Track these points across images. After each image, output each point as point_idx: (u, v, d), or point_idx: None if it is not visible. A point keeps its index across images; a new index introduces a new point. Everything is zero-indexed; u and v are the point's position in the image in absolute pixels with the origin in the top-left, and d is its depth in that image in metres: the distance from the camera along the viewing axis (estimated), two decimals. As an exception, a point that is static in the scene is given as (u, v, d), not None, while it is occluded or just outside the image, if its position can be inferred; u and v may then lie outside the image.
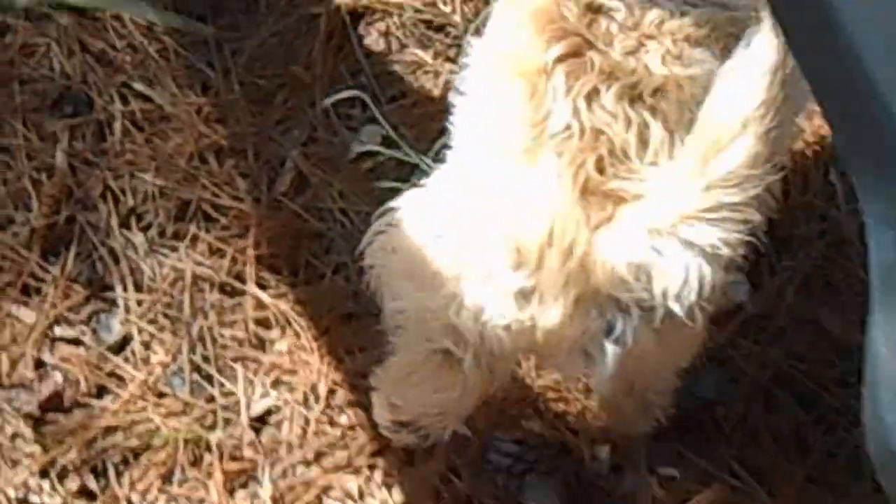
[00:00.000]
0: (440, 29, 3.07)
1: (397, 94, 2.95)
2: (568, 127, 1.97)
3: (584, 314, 1.94)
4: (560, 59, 2.04)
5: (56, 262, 2.67)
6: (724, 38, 2.10)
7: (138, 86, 2.91)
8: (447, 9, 3.09)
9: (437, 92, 2.94)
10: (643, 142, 1.98)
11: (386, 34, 3.05)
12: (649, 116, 2.00)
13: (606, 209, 1.92)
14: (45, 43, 2.95)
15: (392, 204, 2.18)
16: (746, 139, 1.81)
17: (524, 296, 1.94)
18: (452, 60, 2.99)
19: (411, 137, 2.84)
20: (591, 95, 2.00)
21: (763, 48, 1.83)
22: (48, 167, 2.78)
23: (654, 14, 2.09)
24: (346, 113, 2.93)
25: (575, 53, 2.05)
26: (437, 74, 2.98)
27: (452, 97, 2.25)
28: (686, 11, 2.11)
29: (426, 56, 3.01)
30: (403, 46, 3.03)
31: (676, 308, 1.90)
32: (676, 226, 1.86)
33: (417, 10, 3.08)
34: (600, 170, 1.95)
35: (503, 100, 2.07)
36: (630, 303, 1.92)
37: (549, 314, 1.93)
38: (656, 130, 1.99)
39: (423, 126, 2.86)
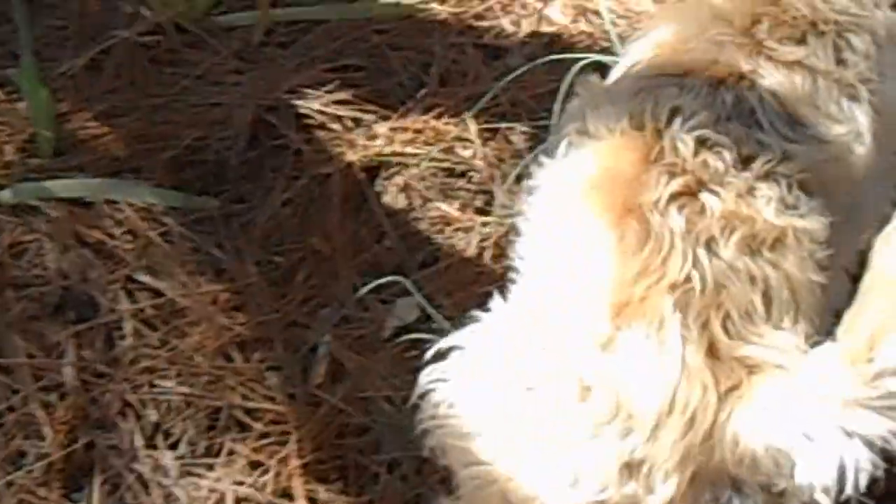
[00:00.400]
0: (462, 175, 2.83)
1: (428, 257, 2.70)
2: (689, 278, 1.75)
3: (697, 494, 1.73)
4: (674, 197, 1.83)
5: (80, 498, 2.38)
6: (830, 183, 1.96)
7: (144, 278, 2.65)
8: (467, 153, 2.86)
9: (470, 251, 2.70)
10: (767, 302, 1.78)
11: (405, 189, 2.80)
12: (772, 272, 1.80)
13: (737, 377, 1.72)
14: (35, 239, 2.69)
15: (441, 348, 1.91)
16: None
17: (631, 468, 1.72)
18: (482, 212, 2.76)
19: (450, 307, 2.59)
20: (710, 243, 1.80)
21: None
22: (57, 385, 2.50)
23: (763, 152, 1.90)
24: (374, 277, 2.67)
25: (689, 192, 1.84)
26: (467, 230, 2.73)
27: (519, 223, 2.03)
28: (790, 151, 1.93)
29: (452, 209, 2.77)
30: (426, 200, 2.79)
31: (825, 501, 1.66)
32: (838, 413, 1.63)
33: (435, 158, 2.84)
34: (726, 331, 1.74)
35: (598, 234, 1.83)
36: (755, 487, 1.71)
37: (659, 492, 1.71)
38: (780, 290, 1.80)
39: (462, 292, 2.61)
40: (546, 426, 1.76)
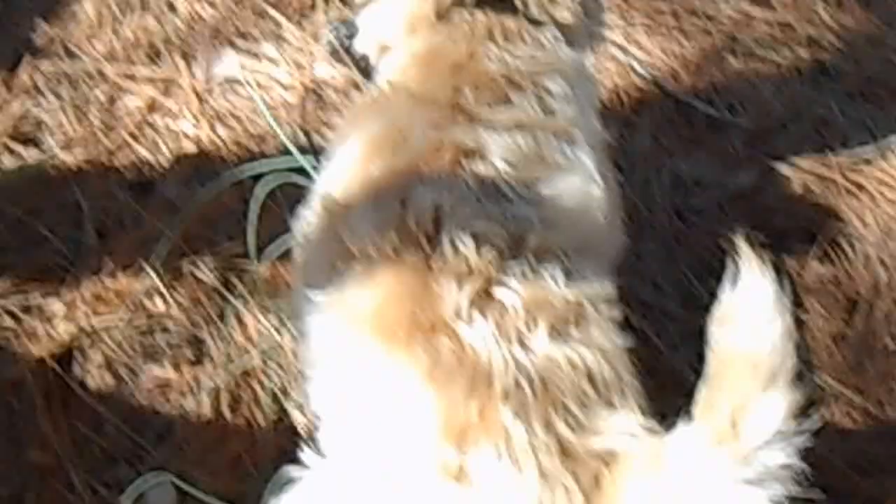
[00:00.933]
0: (163, 330, 2.60)
1: (162, 431, 2.46)
2: (518, 383, 1.68)
3: None
4: (473, 303, 1.73)
5: None
6: (592, 236, 1.96)
7: None
8: (159, 305, 2.62)
9: (204, 410, 2.48)
10: (595, 384, 1.73)
11: (108, 365, 2.54)
12: (587, 352, 1.74)
13: (595, 471, 1.66)
14: None
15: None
16: (778, 393, 1.57)
17: None
18: (198, 363, 2.54)
19: (207, 479, 2.37)
20: (523, 341, 1.72)
21: (758, 284, 1.62)
22: None
23: (527, 228, 1.85)
24: (113, 475, 2.41)
25: (485, 293, 1.76)
26: (191, 389, 2.51)
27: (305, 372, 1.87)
28: (545, 218, 1.88)
29: (166, 371, 2.54)
30: (135, 370, 2.54)
31: None
32: (721, 496, 1.58)
33: (128, 320, 2.59)
34: (570, 426, 1.67)
35: (407, 363, 1.70)
36: None
37: None
38: (601, 368, 1.74)
39: (214, 458, 2.40)
40: None
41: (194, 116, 2.92)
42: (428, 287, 1.75)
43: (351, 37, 2.35)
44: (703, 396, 1.62)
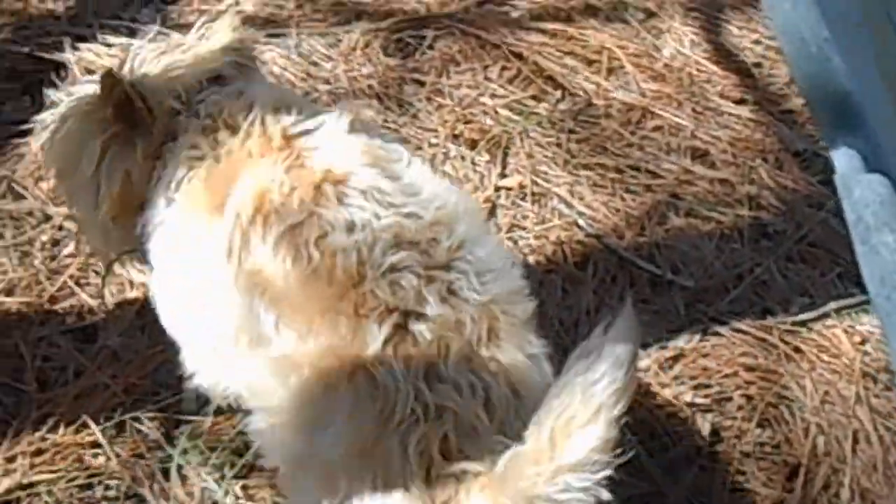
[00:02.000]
0: (103, 486, 2.56)
1: None
2: (412, 412, 1.89)
3: None
4: (388, 341, 1.94)
5: None
6: None
7: None
8: (100, 459, 2.59)
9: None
10: (490, 409, 1.92)
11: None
12: (489, 377, 1.94)
13: (451, 491, 1.86)
14: None
15: None
16: (598, 426, 1.76)
17: None
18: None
19: None
20: (429, 372, 1.92)
21: (622, 337, 1.79)
22: None
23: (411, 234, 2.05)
24: None
25: (401, 328, 1.95)
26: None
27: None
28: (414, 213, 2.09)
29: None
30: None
31: None
32: None
33: (67, 475, 2.55)
34: (445, 453, 1.88)
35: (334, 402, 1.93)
36: None
37: None
38: (500, 391, 1.93)
39: None
40: None
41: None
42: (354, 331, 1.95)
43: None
44: (537, 416, 1.81)
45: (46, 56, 3.19)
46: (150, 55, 2.30)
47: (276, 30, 3.54)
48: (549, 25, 3.66)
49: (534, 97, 3.44)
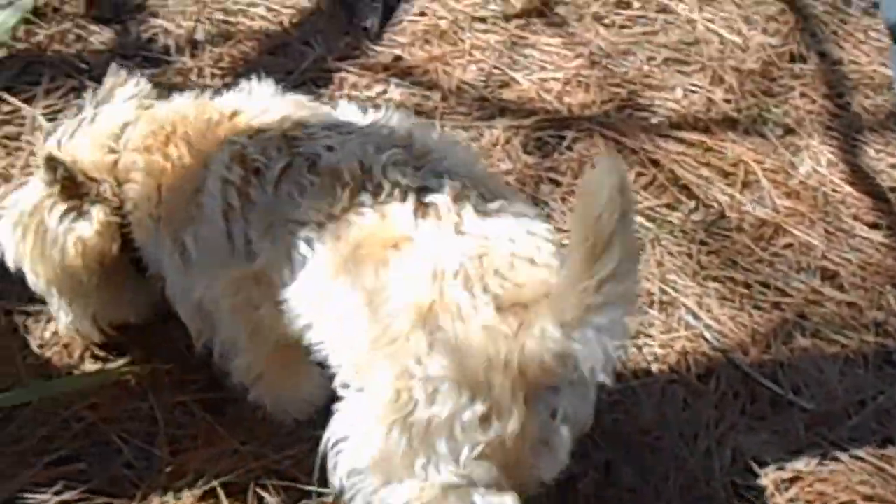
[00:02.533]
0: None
1: None
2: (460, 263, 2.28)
3: (533, 410, 2.24)
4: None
5: None
6: None
7: None
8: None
9: None
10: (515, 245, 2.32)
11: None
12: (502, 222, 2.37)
13: (520, 315, 2.22)
14: None
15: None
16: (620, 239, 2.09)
17: (486, 419, 2.23)
18: None
19: None
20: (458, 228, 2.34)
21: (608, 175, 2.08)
22: None
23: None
24: None
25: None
26: None
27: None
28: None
29: None
30: None
31: (605, 380, 2.25)
32: (584, 316, 2.16)
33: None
34: (501, 285, 2.25)
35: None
36: (563, 385, 2.26)
37: (511, 422, 2.23)
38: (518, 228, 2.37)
39: None
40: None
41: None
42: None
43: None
44: (570, 245, 2.16)
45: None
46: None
47: (421, 117, 3.64)
48: (688, 135, 3.71)
49: (668, 205, 3.50)
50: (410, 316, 2.25)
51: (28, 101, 3.53)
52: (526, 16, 4.01)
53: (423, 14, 3.99)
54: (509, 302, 2.23)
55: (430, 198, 2.37)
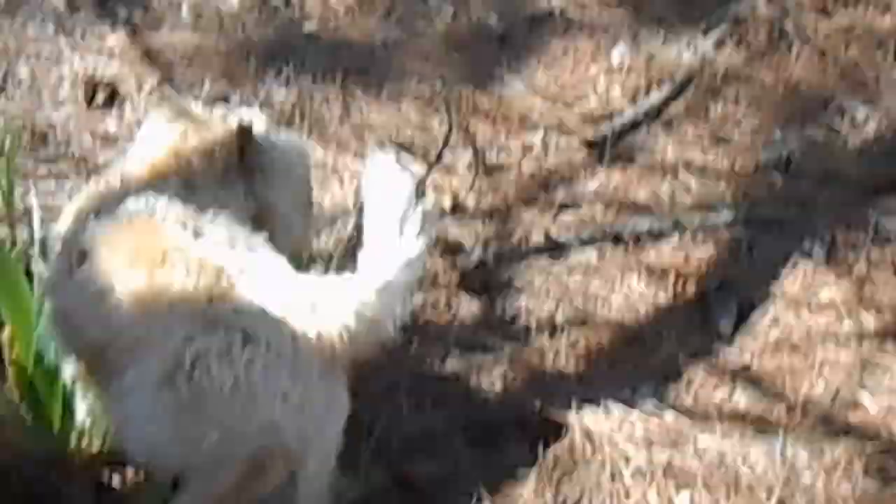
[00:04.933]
0: None
1: None
2: None
3: None
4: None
5: None
6: None
7: None
8: None
9: None
10: None
11: None
12: None
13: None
14: None
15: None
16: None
17: None
18: None
19: None
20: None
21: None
22: None
23: None
24: None
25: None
26: None
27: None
28: None
29: None
30: None
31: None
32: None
33: None
34: None
35: None
36: None
37: None
38: None
39: None
40: None
41: None
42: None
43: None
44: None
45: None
46: None
47: (764, 427, 3.69)
48: None
49: None
50: None
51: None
52: (880, 337, 4.04)
53: (775, 321, 4.08)
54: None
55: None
